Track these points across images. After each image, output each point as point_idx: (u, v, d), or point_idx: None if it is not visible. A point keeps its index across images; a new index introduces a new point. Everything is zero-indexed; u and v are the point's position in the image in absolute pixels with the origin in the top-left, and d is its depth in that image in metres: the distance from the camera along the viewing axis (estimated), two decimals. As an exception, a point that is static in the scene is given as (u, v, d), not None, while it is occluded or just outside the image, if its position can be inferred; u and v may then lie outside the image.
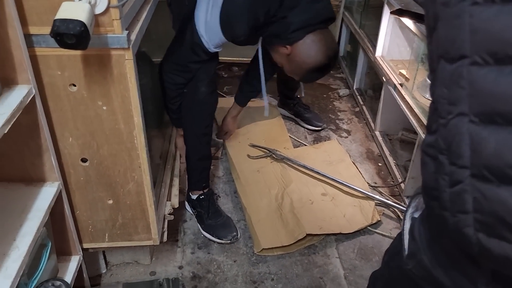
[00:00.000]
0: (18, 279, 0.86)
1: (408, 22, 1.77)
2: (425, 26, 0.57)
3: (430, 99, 0.57)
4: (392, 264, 0.70)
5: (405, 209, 0.75)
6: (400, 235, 0.68)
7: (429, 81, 1.67)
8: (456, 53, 0.48)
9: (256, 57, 1.69)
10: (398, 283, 0.71)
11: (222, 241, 1.55)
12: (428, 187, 0.56)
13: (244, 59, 2.61)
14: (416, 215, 0.66)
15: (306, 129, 2.24)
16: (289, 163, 1.92)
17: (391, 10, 1.90)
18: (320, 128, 2.22)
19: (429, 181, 0.56)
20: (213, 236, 1.57)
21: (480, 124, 0.48)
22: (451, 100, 0.50)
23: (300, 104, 2.26)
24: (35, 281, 0.97)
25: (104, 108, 1.03)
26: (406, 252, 0.65)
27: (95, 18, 0.89)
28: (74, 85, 1.00)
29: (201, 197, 1.63)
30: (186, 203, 1.70)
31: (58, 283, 0.94)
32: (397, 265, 0.68)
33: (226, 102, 2.42)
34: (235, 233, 1.58)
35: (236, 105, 1.99)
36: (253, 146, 2.04)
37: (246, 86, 1.92)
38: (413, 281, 0.65)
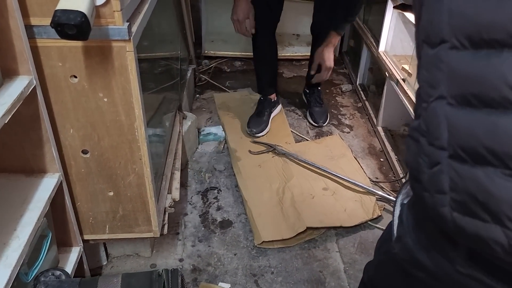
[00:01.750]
0: (18, 268, 0.87)
1: (411, 17, 1.76)
2: (413, 14, 0.58)
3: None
4: (382, 250, 0.72)
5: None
6: (391, 222, 0.70)
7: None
8: (436, 37, 0.50)
9: None
10: (386, 267, 0.72)
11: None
12: (411, 169, 0.58)
13: (247, 53, 2.61)
14: (406, 201, 0.68)
15: (308, 123, 2.24)
16: (291, 158, 1.92)
17: (395, 5, 1.90)
18: (316, 125, 2.22)
19: (411, 162, 0.57)
20: None
21: (456, 106, 0.49)
22: (431, 83, 0.52)
23: (317, 96, 2.26)
24: (35, 271, 0.98)
25: (105, 100, 1.04)
26: (394, 237, 0.67)
27: (96, 9, 0.89)
28: (75, 77, 1.00)
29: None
30: None
31: (58, 272, 0.94)
32: (386, 250, 0.70)
33: (227, 97, 2.43)
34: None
35: (335, 34, 1.92)
36: (255, 141, 2.04)
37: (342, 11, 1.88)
38: (400, 265, 0.67)
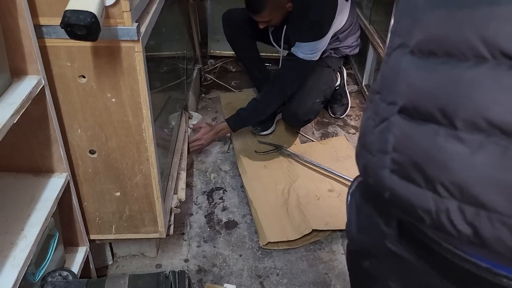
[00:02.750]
0: (26, 269, 0.87)
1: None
2: None
3: None
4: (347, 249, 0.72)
5: None
6: None
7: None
8: None
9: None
10: (349, 261, 0.73)
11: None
12: (360, 134, 0.55)
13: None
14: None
15: (331, 114, 2.30)
16: (296, 159, 1.92)
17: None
18: (333, 116, 2.28)
19: (363, 126, 0.55)
20: None
21: (418, 55, 0.46)
22: (398, 32, 0.49)
23: (341, 91, 2.29)
24: (42, 271, 0.98)
25: (113, 100, 1.03)
26: (346, 230, 0.66)
27: (105, 9, 0.89)
28: (84, 77, 1.00)
29: None
30: None
31: (65, 273, 0.94)
32: (347, 244, 0.69)
33: (233, 97, 2.42)
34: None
35: (226, 126, 1.91)
36: (261, 142, 2.03)
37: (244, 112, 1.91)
38: (353, 258, 0.66)
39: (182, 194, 1.49)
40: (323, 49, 1.88)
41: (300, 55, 1.82)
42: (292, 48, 1.87)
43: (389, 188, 0.49)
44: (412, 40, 0.46)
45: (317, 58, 1.87)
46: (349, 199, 0.67)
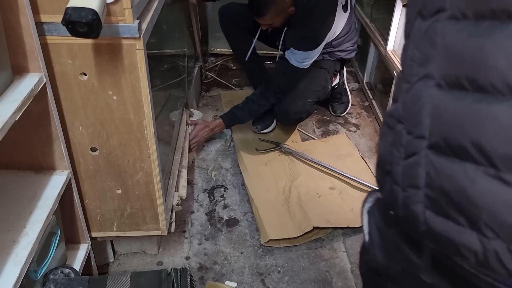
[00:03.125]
0: (28, 266, 0.87)
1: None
2: None
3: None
4: (363, 262, 0.69)
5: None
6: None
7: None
8: (433, 5, 0.43)
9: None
10: (368, 278, 0.71)
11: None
12: (382, 161, 0.52)
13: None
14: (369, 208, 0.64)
15: (332, 112, 2.30)
16: (297, 156, 1.92)
17: (404, 3, 1.88)
18: (334, 114, 2.29)
19: (384, 153, 0.51)
20: None
21: (445, 88, 0.42)
22: (420, 61, 0.45)
23: (340, 89, 2.29)
24: (44, 268, 0.98)
25: (115, 97, 1.03)
26: (365, 248, 0.63)
27: (107, 7, 0.89)
28: (85, 74, 1.00)
29: None
30: None
31: (67, 270, 0.94)
32: (365, 262, 0.66)
33: (234, 95, 2.42)
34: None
35: (221, 123, 1.94)
36: (261, 140, 2.03)
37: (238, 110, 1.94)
38: (374, 274, 0.63)
39: (183, 192, 1.49)
40: (315, 58, 1.90)
41: (293, 61, 1.85)
42: (286, 52, 1.89)
43: (425, 224, 0.47)
44: (437, 72, 0.43)
45: (307, 66, 1.89)
46: (366, 216, 0.64)
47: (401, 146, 0.48)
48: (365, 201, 0.64)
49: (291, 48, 1.85)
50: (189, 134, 1.86)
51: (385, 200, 0.55)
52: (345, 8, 1.97)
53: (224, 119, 1.93)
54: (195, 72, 2.30)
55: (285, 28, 1.91)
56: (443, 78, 0.43)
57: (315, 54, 1.87)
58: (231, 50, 2.73)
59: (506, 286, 0.45)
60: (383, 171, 0.52)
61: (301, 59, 1.85)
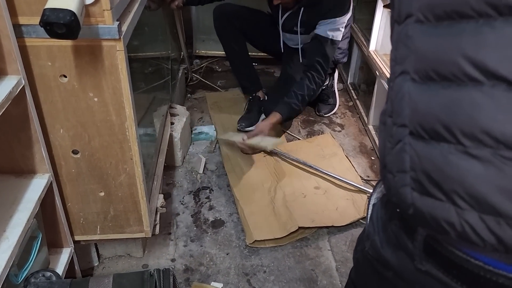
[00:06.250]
0: (8, 270, 0.86)
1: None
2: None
3: None
4: (359, 248, 0.72)
5: None
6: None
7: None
8: (404, 12, 0.50)
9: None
10: (363, 267, 0.73)
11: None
12: (380, 155, 0.58)
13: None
14: (376, 201, 0.68)
15: (316, 112, 2.32)
16: (283, 157, 1.93)
17: (385, 4, 1.91)
18: (318, 113, 2.31)
19: (381, 148, 0.57)
20: None
21: (418, 81, 0.49)
22: (397, 60, 0.52)
23: (329, 91, 2.31)
24: (25, 272, 0.97)
25: (95, 99, 1.03)
26: (365, 236, 0.68)
27: (86, 8, 0.89)
28: (65, 76, 1.00)
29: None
30: None
31: (48, 274, 0.93)
32: (361, 249, 0.70)
33: (219, 96, 2.42)
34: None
35: (278, 115, 1.94)
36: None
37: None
38: (372, 264, 0.67)
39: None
40: (343, 31, 1.94)
41: (326, 33, 1.90)
42: (316, 29, 1.93)
43: (412, 205, 0.52)
44: (411, 68, 0.49)
45: (340, 39, 1.94)
46: (370, 208, 0.69)
47: (391, 137, 0.53)
48: (372, 194, 0.70)
49: (320, 21, 1.90)
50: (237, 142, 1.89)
51: (386, 191, 0.60)
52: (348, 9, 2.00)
53: (279, 111, 1.93)
54: (180, 74, 2.29)
55: (301, 9, 1.94)
56: (415, 72, 0.49)
57: (345, 20, 1.91)
58: (216, 52, 2.74)
59: (497, 268, 0.49)
60: (382, 164, 0.57)
61: (333, 27, 1.89)
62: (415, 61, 0.49)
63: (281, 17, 2.05)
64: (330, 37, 1.92)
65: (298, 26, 1.99)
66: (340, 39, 1.96)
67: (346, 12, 1.92)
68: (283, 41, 2.15)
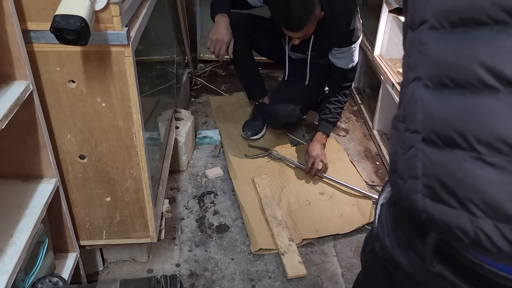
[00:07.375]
0: (15, 275, 0.86)
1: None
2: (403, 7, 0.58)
3: None
4: (367, 249, 0.72)
5: None
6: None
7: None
8: (418, 19, 0.50)
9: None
10: (372, 268, 0.72)
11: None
12: (391, 160, 0.58)
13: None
14: (385, 201, 0.68)
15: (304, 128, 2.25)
16: (287, 162, 1.92)
17: (390, 9, 1.91)
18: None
19: (391, 153, 0.57)
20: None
21: (432, 88, 0.48)
22: (410, 66, 0.52)
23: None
24: (32, 278, 0.97)
25: (103, 105, 1.03)
26: (374, 236, 0.67)
27: (95, 14, 0.89)
28: (73, 82, 1.00)
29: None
30: None
31: (55, 279, 0.93)
32: (370, 250, 0.69)
33: (223, 100, 2.42)
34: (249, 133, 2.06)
35: (324, 134, 1.98)
36: (251, 146, 2.03)
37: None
38: (382, 265, 0.67)
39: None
40: (358, 45, 1.94)
41: (349, 66, 1.93)
42: (335, 60, 1.94)
43: (424, 211, 0.51)
44: (424, 74, 0.49)
45: (357, 58, 1.95)
46: (378, 209, 0.68)
47: (402, 142, 0.53)
48: (380, 193, 0.69)
49: (335, 49, 1.90)
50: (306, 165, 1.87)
51: (395, 197, 0.60)
52: None
53: (322, 130, 1.97)
54: (184, 79, 2.30)
55: (312, 36, 1.88)
56: (429, 79, 0.49)
57: (359, 42, 1.91)
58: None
59: (498, 269, 0.49)
60: (392, 169, 0.57)
61: (350, 57, 1.90)
62: (428, 67, 0.49)
63: (289, 41, 2.01)
64: (351, 67, 1.94)
65: (309, 51, 1.96)
66: (357, 58, 1.95)
67: (359, 37, 1.88)
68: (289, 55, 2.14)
